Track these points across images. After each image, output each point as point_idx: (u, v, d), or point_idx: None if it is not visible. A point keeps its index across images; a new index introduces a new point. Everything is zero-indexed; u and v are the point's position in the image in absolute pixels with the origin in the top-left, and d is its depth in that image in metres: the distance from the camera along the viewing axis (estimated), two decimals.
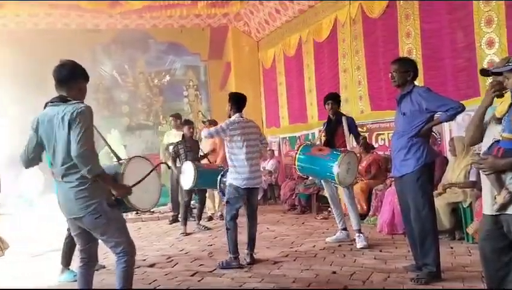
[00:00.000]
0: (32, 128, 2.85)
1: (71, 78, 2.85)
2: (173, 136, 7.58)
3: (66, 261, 4.40)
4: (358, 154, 5.57)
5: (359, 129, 5.68)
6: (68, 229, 4.32)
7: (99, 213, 2.75)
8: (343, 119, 5.26)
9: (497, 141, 2.51)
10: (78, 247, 3.02)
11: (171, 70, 11.54)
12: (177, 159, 6.66)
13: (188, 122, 6.96)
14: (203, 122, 7.19)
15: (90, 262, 3.02)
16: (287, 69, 10.08)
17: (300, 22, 9.27)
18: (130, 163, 3.01)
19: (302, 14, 9.10)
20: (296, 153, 5.12)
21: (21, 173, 9.91)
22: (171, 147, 6.99)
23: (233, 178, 4.50)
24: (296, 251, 5.01)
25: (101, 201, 2.77)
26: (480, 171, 2.60)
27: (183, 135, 6.82)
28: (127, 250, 2.87)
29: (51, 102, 2.83)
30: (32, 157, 2.89)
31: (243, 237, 4.71)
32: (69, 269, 4.37)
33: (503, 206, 2.42)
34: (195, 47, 11.51)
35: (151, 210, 7.16)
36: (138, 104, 11.37)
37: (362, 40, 7.38)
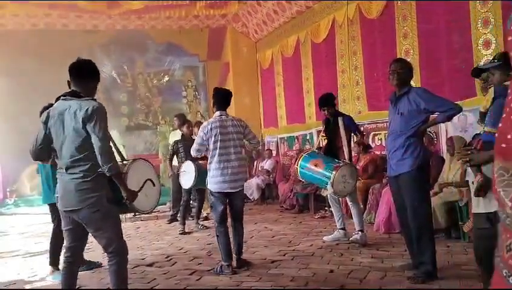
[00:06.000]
0: (42, 121, 2.93)
1: (89, 76, 2.92)
2: (178, 135, 7.61)
3: (53, 260, 4.38)
4: (355, 155, 5.51)
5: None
6: (53, 229, 4.35)
7: (97, 207, 2.77)
8: (339, 120, 5.13)
9: (478, 134, 2.74)
10: (64, 244, 3.02)
11: (169, 70, 11.59)
12: (174, 158, 6.72)
13: (187, 122, 7.03)
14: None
15: (74, 262, 3.03)
16: (284, 70, 10.10)
17: (298, 23, 9.30)
18: (133, 164, 3.08)
19: (300, 15, 9.14)
20: (296, 166, 5.14)
21: (19, 172, 9.98)
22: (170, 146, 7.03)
23: (209, 181, 4.37)
24: (293, 249, 5.04)
25: (101, 195, 2.80)
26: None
27: (182, 134, 6.89)
28: (118, 250, 2.87)
29: (63, 96, 2.88)
30: (41, 148, 2.95)
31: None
32: (58, 269, 4.26)
33: (478, 190, 2.61)
34: (194, 48, 11.55)
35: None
36: (137, 105, 11.41)
37: (360, 40, 7.42)
